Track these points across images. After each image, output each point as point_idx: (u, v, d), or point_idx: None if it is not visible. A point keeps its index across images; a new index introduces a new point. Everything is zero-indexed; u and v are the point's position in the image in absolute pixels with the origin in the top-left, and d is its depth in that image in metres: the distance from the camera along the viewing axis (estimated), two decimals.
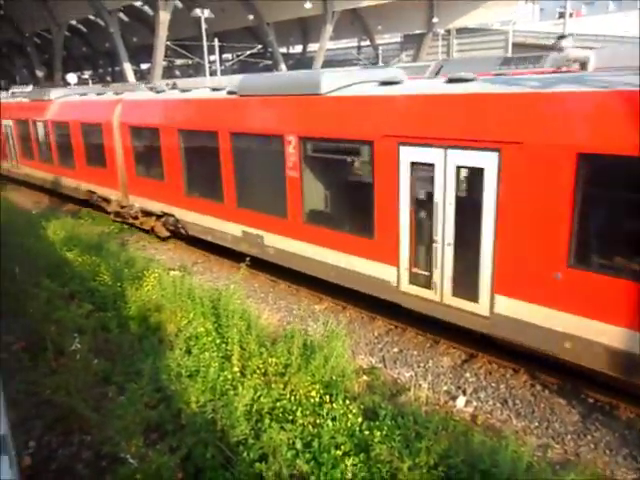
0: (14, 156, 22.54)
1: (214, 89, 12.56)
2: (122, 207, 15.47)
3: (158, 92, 14.63)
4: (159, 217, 14.25)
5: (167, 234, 14.44)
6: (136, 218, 15.15)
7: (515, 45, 45.35)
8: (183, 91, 13.64)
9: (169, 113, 12.97)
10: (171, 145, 12.68)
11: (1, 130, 22.83)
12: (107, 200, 16.25)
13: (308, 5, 43.84)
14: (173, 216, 13.44)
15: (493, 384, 7.56)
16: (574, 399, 7.07)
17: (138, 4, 55.53)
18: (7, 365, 7.09)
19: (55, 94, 19.11)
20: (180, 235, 13.93)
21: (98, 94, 17.47)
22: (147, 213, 14.67)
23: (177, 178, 12.78)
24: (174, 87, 15.21)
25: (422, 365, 8.13)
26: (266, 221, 10.55)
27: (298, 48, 71.80)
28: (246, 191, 11.00)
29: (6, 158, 23.40)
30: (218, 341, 7.51)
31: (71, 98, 18.51)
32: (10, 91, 24.88)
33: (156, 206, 13.96)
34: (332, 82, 9.22)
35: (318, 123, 9.26)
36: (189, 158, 12.51)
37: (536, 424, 6.68)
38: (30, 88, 29.30)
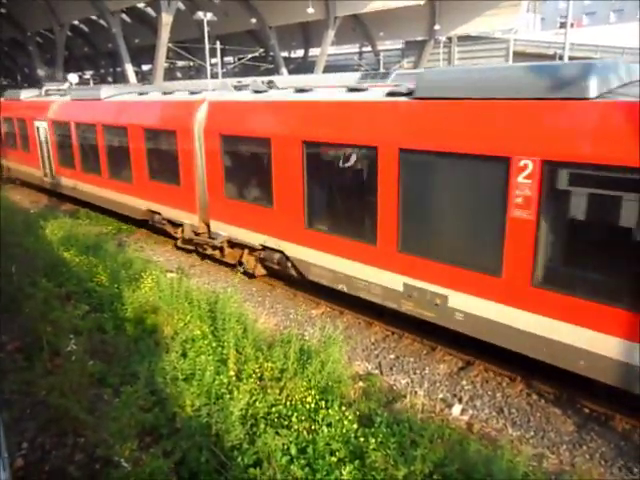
0: (49, 164, 19.16)
1: (352, 89, 9.43)
2: (197, 234, 12.68)
3: (257, 92, 11.23)
4: (252, 250, 11.35)
5: (263, 272, 11.63)
6: (216, 249, 12.34)
7: (516, 54, 45.62)
8: (300, 91, 10.33)
9: (289, 120, 9.78)
10: (289, 162, 9.61)
11: (33, 133, 19.66)
12: (176, 224, 13.41)
13: (310, 10, 43.96)
14: (281, 253, 10.38)
15: (489, 392, 7.55)
16: (570, 409, 7.07)
17: (141, 6, 55.65)
18: (2, 365, 7.05)
19: (106, 92, 16.13)
20: (284, 276, 11.01)
21: (165, 93, 14.31)
22: (234, 244, 11.85)
23: (296, 205, 9.65)
24: (271, 85, 12.01)
25: (418, 372, 8.11)
26: (455, 275, 7.54)
27: (299, 52, 71.97)
28: (420, 231, 7.98)
29: (38, 166, 19.95)
30: (214, 344, 7.49)
31: (128, 97, 15.44)
32: (44, 88, 21.79)
33: (254, 238, 10.86)
34: (605, 81, 6.45)
35: (587, 142, 6.16)
36: (320, 180, 9.54)
37: (532, 433, 6.67)
38: (67, 85, 25.80)
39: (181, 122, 12.14)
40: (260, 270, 11.52)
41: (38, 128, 19.19)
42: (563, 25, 38.08)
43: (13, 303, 8.87)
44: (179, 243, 13.64)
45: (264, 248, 10.81)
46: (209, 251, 12.60)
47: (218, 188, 11.51)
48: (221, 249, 12.17)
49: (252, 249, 11.24)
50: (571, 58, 25.28)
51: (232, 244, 11.82)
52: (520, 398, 7.39)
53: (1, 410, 4.56)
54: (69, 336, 7.57)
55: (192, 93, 13.15)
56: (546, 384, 7.46)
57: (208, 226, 12.28)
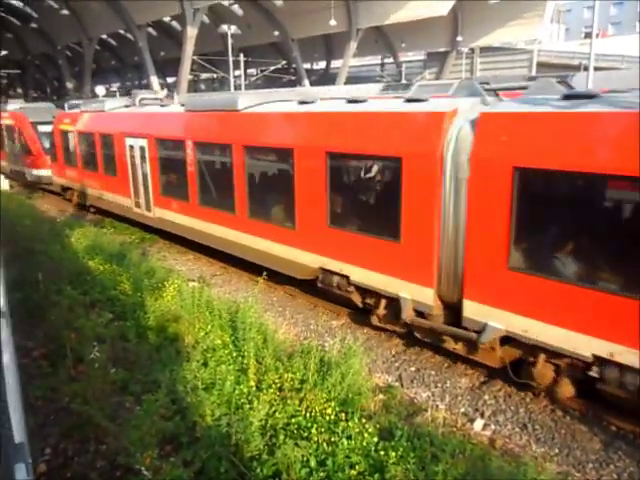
0: (144, 193, 15.27)
1: None
2: (422, 314, 8.41)
3: (573, 97, 6.95)
4: (554, 356, 7.00)
5: (570, 393, 7.19)
6: (460, 341, 8.02)
7: (539, 64, 45.31)
8: None
9: None
10: None
11: (122, 152, 15.84)
12: (379, 295, 9.03)
13: (333, 22, 44.35)
14: None
15: (512, 407, 7.41)
16: (596, 426, 6.89)
17: (166, 19, 56.88)
18: (27, 371, 7.18)
19: (245, 102, 11.66)
20: None
21: (351, 102, 9.73)
22: (506, 340, 7.50)
23: None
24: (566, 82, 8.14)
25: (440, 385, 8.01)
26: None
27: (321, 64, 72.54)
28: None
29: (127, 194, 16.20)
30: (235, 354, 7.51)
31: (286, 108, 10.96)
32: (138, 97, 17.88)
33: (581, 344, 6.52)
34: None
35: None
36: None
37: (556, 451, 6.51)
38: (164, 93, 21.59)
39: (414, 144, 8.06)
40: (567, 389, 7.14)
41: (131, 147, 15.34)
42: (588, 35, 37.70)
43: (39, 310, 9.04)
44: (376, 321, 9.41)
45: (601, 361, 6.46)
46: (449, 344, 8.23)
47: (492, 252, 7.18)
48: (473, 343, 7.79)
49: (554, 354, 6.99)
50: (596, 69, 24.91)
51: (504, 340, 7.57)
52: (544, 414, 7.23)
53: (26, 416, 4.63)
54: (93, 343, 7.68)
55: (409, 101, 8.80)
56: (571, 400, 7.29)
57: (449, 307, 8.19)
